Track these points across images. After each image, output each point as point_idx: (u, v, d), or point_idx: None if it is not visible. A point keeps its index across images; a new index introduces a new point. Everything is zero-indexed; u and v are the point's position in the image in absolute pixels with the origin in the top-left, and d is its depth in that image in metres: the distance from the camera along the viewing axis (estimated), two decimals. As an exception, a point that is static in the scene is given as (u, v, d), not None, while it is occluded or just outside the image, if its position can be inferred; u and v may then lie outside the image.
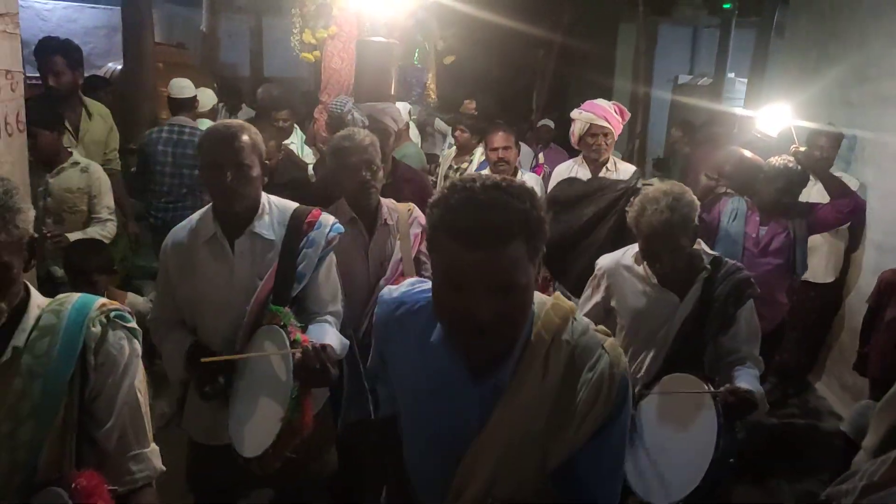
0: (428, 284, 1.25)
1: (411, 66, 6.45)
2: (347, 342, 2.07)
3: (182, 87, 4.50)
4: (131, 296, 3.22)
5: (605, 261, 2.37)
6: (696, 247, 2.25)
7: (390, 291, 1.31)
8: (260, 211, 1.96)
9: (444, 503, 1.19)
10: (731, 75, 9.38)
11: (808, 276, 3.72)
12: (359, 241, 2.45)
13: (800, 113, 4.26)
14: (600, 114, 3.30)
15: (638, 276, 2.26)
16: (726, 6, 8.92)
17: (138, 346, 1.34)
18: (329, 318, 2.03)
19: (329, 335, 1.94)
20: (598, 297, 2.36)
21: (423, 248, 2.48)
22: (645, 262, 2.23)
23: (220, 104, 5.99)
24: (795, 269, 3.27)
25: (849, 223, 3.77)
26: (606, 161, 3.39)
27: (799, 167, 3.23)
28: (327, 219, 2.05)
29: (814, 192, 3.72)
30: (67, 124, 3.50)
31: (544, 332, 1.14)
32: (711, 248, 2.82)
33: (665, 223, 2.04)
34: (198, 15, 8.35)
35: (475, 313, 1.00)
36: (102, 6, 7.91)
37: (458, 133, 4.71)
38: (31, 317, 1.24)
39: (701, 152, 5.08)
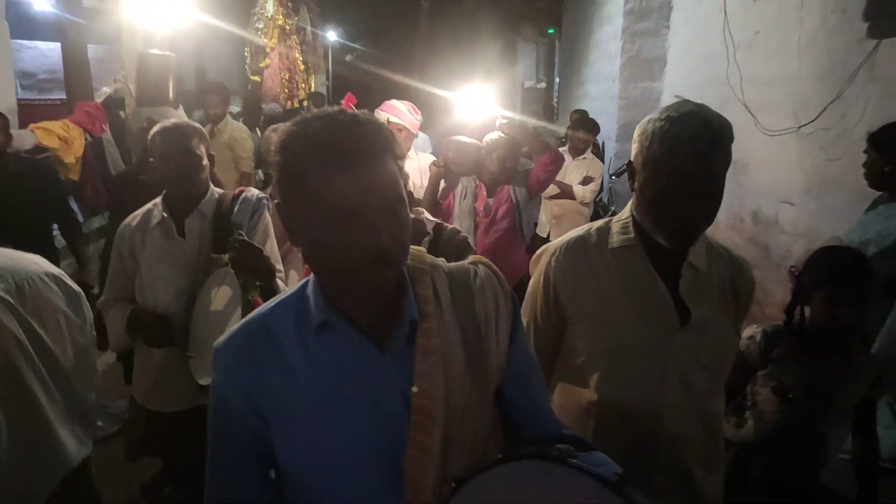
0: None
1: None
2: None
3: None
4: None
5: None
6: (418, 216, 2.32)
7: (224, 336, 1.01)
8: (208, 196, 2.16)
9: None
10: (559, 80, 12.99)
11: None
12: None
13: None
14: (394, 113, 3.66)
15: None
16: (550, 31, 12.59)
17: None
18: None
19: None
20: None
21: None
22: None
23: None
24: (523, 231, 3.47)
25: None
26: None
27: (506, 135, 3.46)
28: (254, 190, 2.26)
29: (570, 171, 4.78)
30: None
31: (417, 263, 1.03)
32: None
33: None
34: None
35: (377, 237, 0.87)
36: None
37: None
38: None
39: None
